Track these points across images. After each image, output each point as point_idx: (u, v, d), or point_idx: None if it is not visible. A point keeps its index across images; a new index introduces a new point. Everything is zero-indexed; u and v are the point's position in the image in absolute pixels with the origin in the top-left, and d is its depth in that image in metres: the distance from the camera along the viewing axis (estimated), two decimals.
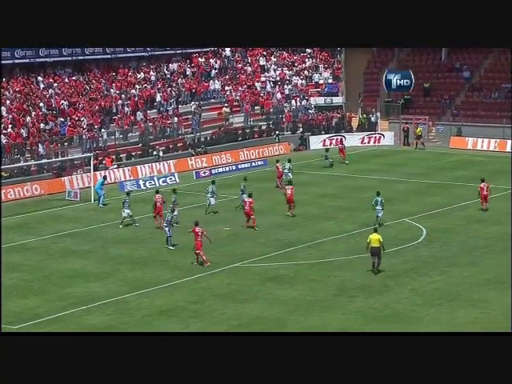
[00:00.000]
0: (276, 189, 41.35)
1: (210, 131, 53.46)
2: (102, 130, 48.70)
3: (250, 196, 34.89)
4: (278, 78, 60.62)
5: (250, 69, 60.53)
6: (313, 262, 29.50)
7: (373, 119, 56.72)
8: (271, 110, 57.30)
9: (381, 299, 25.39)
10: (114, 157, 47.05)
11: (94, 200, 39.31)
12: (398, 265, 28.88)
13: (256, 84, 58.84)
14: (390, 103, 57.38)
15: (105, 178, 40.55)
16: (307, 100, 59.03)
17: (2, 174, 42.31)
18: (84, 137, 47.46)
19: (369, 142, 55.05)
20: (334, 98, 59.33)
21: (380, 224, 32.93)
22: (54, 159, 45.12)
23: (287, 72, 61.44)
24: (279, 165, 42.43)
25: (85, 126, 48.01)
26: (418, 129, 53.61)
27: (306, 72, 61.86)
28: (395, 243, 31.17)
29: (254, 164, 48.79)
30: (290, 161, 43.30)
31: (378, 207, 33.75)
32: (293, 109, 57.78)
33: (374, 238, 27.68)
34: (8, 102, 47.21)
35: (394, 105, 57.08)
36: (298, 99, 58.86)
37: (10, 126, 45.63)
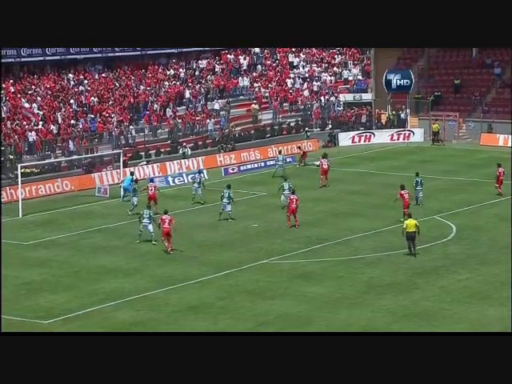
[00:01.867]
0: (321, 188, 40.85)
1: (239, 128, 53.51)
2: (131, 126, 48.93)
3: (293, 193, 34.10)
4: (306, 75, 60.51)
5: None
6: (341, 259, 29.43)
7: (402, 116, 56.38)
8: (301, 106, 57.24)
9: (409, 297, 25.26)
10: (144, 155, 47.22)
11: (124, 197, 39.39)
12: (427, 262, 28.71)
13: (287, 80, 58.76)
14: (420, 100, 56.98)
15: (132, 174, 40.52)
16: (336, 97, 58.84)
17: (33, 170, 42.70)
18: (113, 133, 47.76)
19: (398, 139, 54.76)
20: (363, 94, 59.04)
21: (421, 205, 33.94)
22: (84, 156, 45.46)
23: (316, 69, 61.28)
24: (324, 161, 41.88)
25: (114, 123, 48.30)
26: (435, 125, 53.52)
27: (335, 68, 61.67)
28: (425, 240, 30.95)
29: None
30: (280, 152, 44.53)
31: (418, 187, 35.07)
32: (321, 105, 57.63)
33: (411, 224, 28.42)
34: (39, 98, 47.64)
35: (423, 101, 56.68)
36: (327, 96, 58.69)
37: (40, 122, 46.04)
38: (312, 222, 34.55)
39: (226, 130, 51.49)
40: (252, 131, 53.63)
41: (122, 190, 39.15)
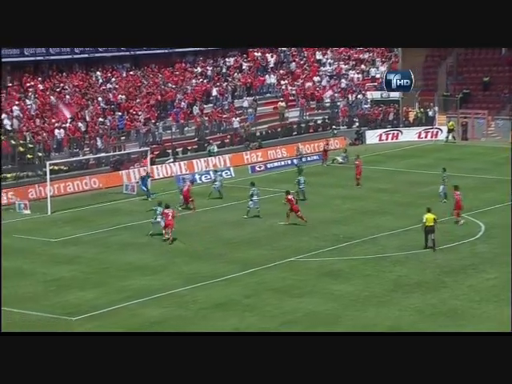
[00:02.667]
0: (356, 187, 40.77)
1: (266, 125, 53.52)
2: (158, 124, 49.08)
3: (288, 193, 34.17)
4: (334, 73, 60.37)
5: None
6: (368, 257, 29.35)
7: (430, 113, 56.08)
8: (327, 104, 57.16)
9: (437, 295, 25.13)
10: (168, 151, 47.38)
11: (150, 194, 39.68)
12: (456, 261, 28.55)
13: (314, 78, 58.68)
14: (448, 97, 56.62)
15: (148, 175, 40.48)
16: (363, 94, 58.64)
17: (62, 167, 42.98)
18: (141, 131, 47.95)
19: (426, 137, 54.48)
20: (390, 92, 58.71)
21: (445, 197, 35.39)
22: (111, 153, 45.69)
23: (343, 66, 61.11)
24: (359, 162, 41.78)
25: (142, 121, 48.49)
26: (450, 123, 53.54)
27: (362, 66, 61.45)
28: (452, 239, 30.82)
29: (309, 158, 48.69)
30: (298, 149, 46.24)
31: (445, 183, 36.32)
32: (349, 103, 57.47)
33: (430, 218, 29.04)
34: (67, 96, 47.94)
35: (452, 99, 56.31)
36: (354, 93, 58.52)
37: (68, 119, 46.34)
38: (339, 220, 34.49)
39: (242, 130, 51.34)
40: (279, 129, 53.63)
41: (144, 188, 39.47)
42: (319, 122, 55.45)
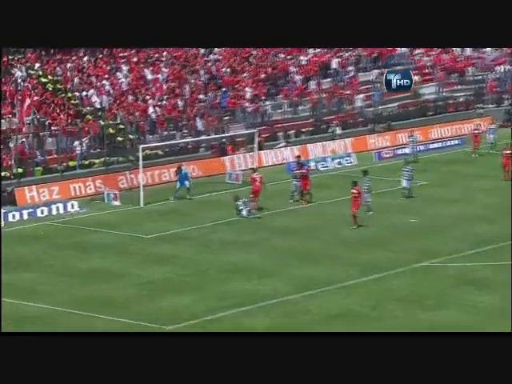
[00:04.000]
0: (504, 180, 39.67)
1: (396, 104, 53.04)
2: (267, 102, 49.37)
3: (356, 184, 33.81)
4: None
5: None
6: None
7: None
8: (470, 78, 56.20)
9: None
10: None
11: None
12: None
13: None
14: None
15: (181, 168, 38.91)
16: None
17: (157, 152, 43.65)
18: (247, 110, 48.34)
19: None
20: None
21: None
22: (213, 136, 46.25)
23: None
24: (509, 151, 40.46)
25: (249, 98, 48.85)
26: None
27: None
28: None
29: (448, 143, 47.95)
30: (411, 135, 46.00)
31: None
32: (498, 77, 56.30)
33: None
34: (164, 69, 48.64)
35: None
36: (505, 65, 57.25)
37: (165, 96, 46.89)
38: (483, 217, 33.93)
39: (374, 108, 51.05)
40: (411, 108, 53.11)
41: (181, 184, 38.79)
42: (461, 99, 54.62)
